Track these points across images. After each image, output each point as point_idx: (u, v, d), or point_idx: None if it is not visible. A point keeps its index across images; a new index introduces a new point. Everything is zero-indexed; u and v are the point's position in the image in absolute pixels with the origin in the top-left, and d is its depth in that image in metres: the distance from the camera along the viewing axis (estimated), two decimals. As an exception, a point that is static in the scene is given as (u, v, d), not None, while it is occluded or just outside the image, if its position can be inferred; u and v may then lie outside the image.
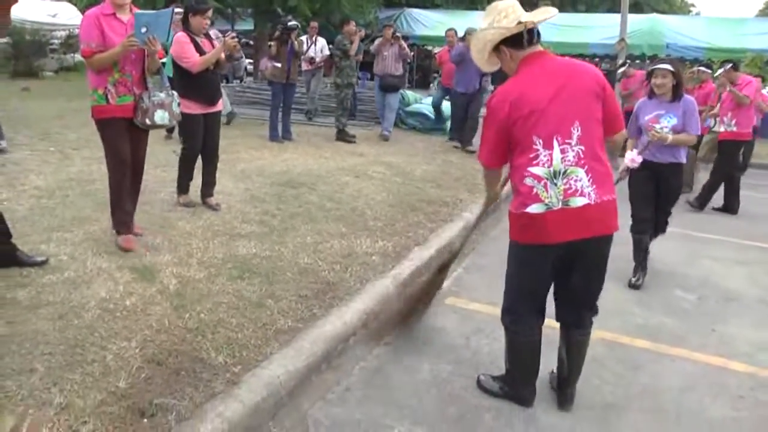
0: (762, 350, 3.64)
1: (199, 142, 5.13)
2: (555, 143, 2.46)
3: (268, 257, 4.12)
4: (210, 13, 5.18)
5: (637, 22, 16.51)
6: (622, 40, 14.23)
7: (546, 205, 2.50)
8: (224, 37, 5.11)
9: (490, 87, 9.70)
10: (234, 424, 2.45)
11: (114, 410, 2.40)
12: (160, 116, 4.09)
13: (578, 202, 2.48)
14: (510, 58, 2.58)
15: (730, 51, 14.31)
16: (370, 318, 3.62)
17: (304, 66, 10.92)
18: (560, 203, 2.48)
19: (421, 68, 24.62)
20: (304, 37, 10.72)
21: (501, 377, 2.99)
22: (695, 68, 8.73)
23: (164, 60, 4.76)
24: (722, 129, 7.42)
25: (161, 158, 6.59)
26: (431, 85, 20.19)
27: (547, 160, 2.47)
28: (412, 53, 17.30)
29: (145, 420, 2.38)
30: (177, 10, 7.57)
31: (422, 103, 11.86)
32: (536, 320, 2.80)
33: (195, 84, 4.98)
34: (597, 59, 18.83)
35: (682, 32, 16.94)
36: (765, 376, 3.32)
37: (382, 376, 3.12)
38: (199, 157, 5.20)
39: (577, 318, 2.82)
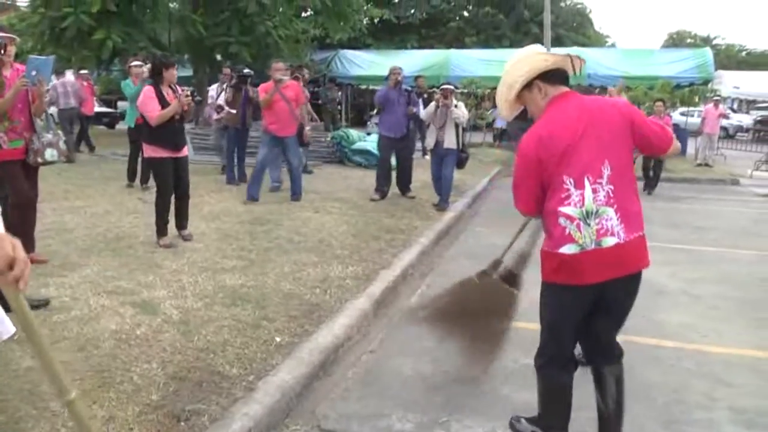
0: (686, 330, 4.31)
1: (170, 184, 5.60)
2: (586, 183, 2.44)
3: (254, 286, 4.54)
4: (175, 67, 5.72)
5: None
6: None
7: (580, 245, 2.47)
8: (180, 92, 5.61)
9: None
10: (257, 421, 2.86)
11: (153, 418, 2.78)
12: (50, 154, 4.66)
13: (610, 242, 2.45)
14: (541, 95, 2.57)
15: (643, 78, 15.69)
16: (353, 331, 4.10)
17: (215, 114, 9.70)
18: (593, 243, 2.45)
19: (356, 107, 25.43)
20: (215, 86, 10.35)
21: (534, 420, 2.92)
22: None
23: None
24: None
25: (130, 206, 6.93)
26: (368, 123, 20.90)
27: (579, 200, 2.45)
28: (339, 93, 18.06)
29: (182, 423, 2.76)
30: (135, 63, 8.17)
31: (366, 140, 12.44)
32: (568, 363, 2.74)
33: (160, 131, 5.52)
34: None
35: (602, 63, 18.37)
36: (690, 349, 3.97)
37: (373, 377, 3.59)
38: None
39: (609, 352, 2.75)
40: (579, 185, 2.43)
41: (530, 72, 2.55)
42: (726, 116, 15.87)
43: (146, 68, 8.11)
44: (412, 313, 4.63)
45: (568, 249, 2.47)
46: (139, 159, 7.71)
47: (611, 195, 2.43)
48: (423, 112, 8.38)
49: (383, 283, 4.97)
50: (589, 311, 2.60)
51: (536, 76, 2.55)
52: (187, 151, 5.90)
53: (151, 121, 5.48)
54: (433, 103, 8.11)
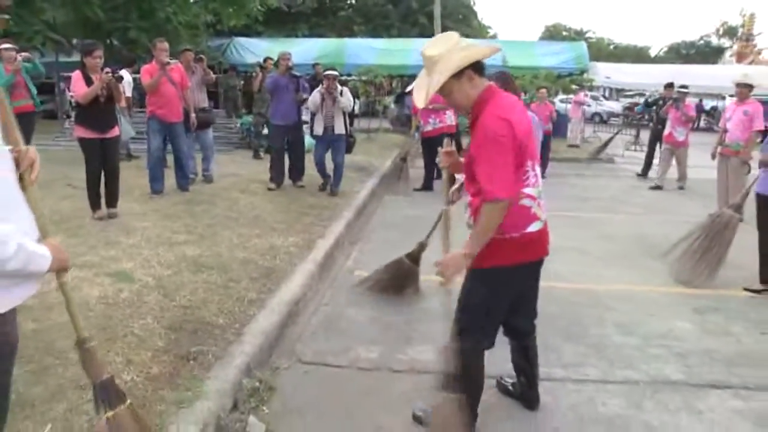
0: (577, 275, 5.32)
1: (97, 162, 6.04)
2: (536, 165, 2.64)
3: (212, 255, 5.03)
4: (99, 52, 6.08)
5: (448, 44, 19.00)
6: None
7: (542, 222, 2.67)
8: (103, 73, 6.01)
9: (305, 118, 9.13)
10: (252, 357, 3.44)
11: (165, 359, 3.28)
12: None
13: (545, 216, 2.71)
14: (472, 85, 2.55)
15: (526, 68, 17.10)
16: (307, 289, 4.72)
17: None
18: (542, 218, 2.68)
19: (249, 94, 25.32)
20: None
21: None
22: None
23: None
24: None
25: (60, 192, 7.06)
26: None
27: (535, 180, 2.63)
28: (242, 81, 18.15)
29: (191, 362, 3.29)
30: (5, 46, 7.88)
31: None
32: (491, 342, 2.81)
33: (88, 113, 5.99)
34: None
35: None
36: (581, 288, 4.97)
37: (333, 323, 4.25)
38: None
39: (530, 325, 3.01)
40: (533, 167, 2.61)
41: (462, 63, 2.50)
42: (583, 103, 17.98)
43: (22, 55, 8.10)
44: (349, 272, 5.36)
45: (534, 227, 2.63)
46: None
47: (538, 176, 2.67)
48: (309, 101, 8.23)
49: (322, 250, 5.60)
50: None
51: (468, 65, 2.52)
52: (117, 131, 6.30)
53: (80, 99, 5.96)
54: (317, 93, 8.12)
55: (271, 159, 8.72)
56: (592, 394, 3.29)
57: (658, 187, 10.35)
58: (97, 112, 6.01)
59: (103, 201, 6.14)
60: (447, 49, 2.52)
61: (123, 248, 5.05)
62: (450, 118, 9.47)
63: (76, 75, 6.03)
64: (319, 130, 8.27)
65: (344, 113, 8.30)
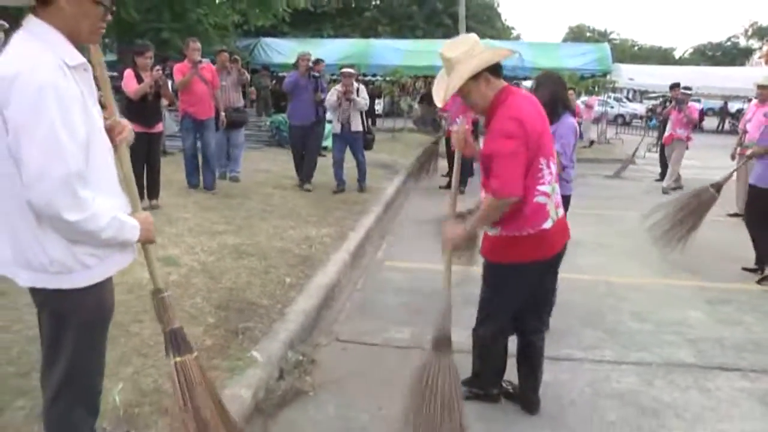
0: (598, 268, 5.57)
1: (143, 155, 6.47)
2: (551, 163, 2.71)
3: (251, 244, 5.37)
4: (150, 52, 6.51)
5: (472, 45, 19.23)
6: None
7: (552, 219, 2.73)
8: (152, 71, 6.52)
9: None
10: (295, 333, 3.76)
11: (217, 333, 3.62)
12: None
13: (561, 212, 2.80)
14: (488, 86, 2.64)
15: (551, 70, 17.26)
16: (341, 276, 5.04)
17: None
18: (556, 215, 2.76)
19: (276, 93, 25.79)
20: None
21: (469, 380, 3.14)
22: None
23: None
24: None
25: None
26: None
27: (550, 178, 2.70)
28: (273, 81, 18.51)
29: (240, 336, 3.62)
30: None
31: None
32: (510, 328, 3.04)
33: (137, 108, 6.41)
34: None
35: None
36: (601, 280, 5.22)
37: (366, 306, 4.56)
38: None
39: (540, 323, 3.10)
40: (548, 165, 2.68)
41: (482, 63, 2.59)
42: (591, 106, 18.44)
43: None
44: (380, 263, 5.67)
45: (548, 223, 2.71)
46: None
47: (554, 173, 2.75)
48: (327, 102, 8.30)
49: (354, 241, 5.92)
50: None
51: (486, 68, 2.62)
52: (161, 127, 6.87)
53: (131, 95, 6.43)
54: (334, 94, 8.17)
55: (294, 159, 8.78)
56: (608, 373, 3.55)
57: (678, 188, 10.45)
58: (145, 108, 6.52)
59: (145, 193, 6.51)
60: (465, 52, 2.60)
61: (167, 236, 5.41)
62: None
63: (128, 73, 6.53)
64: (337, 128, 8.42)
65: (361, 112, 8.44)
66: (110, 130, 2.04)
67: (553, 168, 2.75)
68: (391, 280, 5.19)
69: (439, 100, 2.79)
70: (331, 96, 8.25)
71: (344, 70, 8.42)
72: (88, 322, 1.96)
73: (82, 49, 1.89)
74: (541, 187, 2.66)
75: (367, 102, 8.56)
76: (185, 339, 2.30)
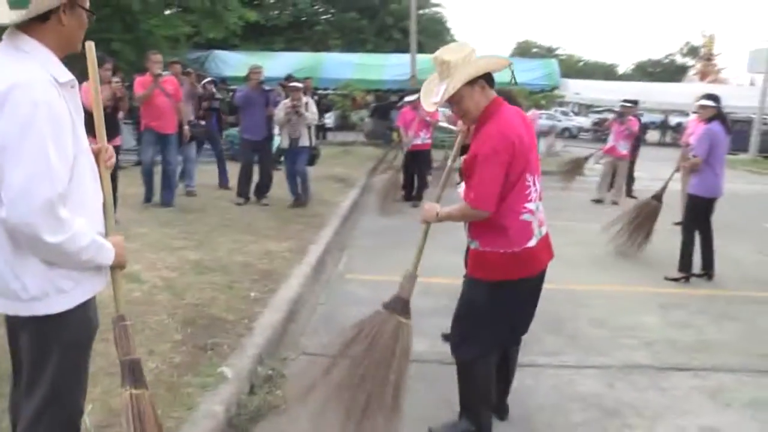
0: (559, 276, 5.73)
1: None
2: (536, 180, 2.66)
3: (213, 259, 5.33)
4: (109, 64, 6.46)
5: (424, 60, 19.44)
6: (413, 76, 16.92)
7: (537, 237, 2.67)
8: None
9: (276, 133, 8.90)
10: (263, 349, 3.76)
11: (185, 349, 3.58)
12: None
13: (544, 230, 2.74)
14: (482, 95, 2.59)
15: (500, 84, 17.68)
16: (304, 289, 5.05)
17: None
18: (540, 233, 2.70)
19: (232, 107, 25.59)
20: None
21: (456, 424, 2.95)
22: None
23: None
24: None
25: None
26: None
27: (536, 195, 2.66)
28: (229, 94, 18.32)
29: (209, 352, 3.59)
30: None
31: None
32: (494, 350, 2.86)
33: (93, 122, 6.20)
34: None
35: (465, 69, 20.31)
36: (562, 288, 5.36)
37: (331, 319, 4.58)
38: None
39: (519, 337, 3.04)
40: (534, 182, 2.65)
41: (478, 72, 2.55)
42: (535, 120, 18.95)
43: None
44: (341, 276, 5.71)
45: (533, 241, 2.65)
46: None
47: (539, 190, 2.71)
48: (275, 117, 8.20)
49: (314, 255, 5.94)
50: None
51: (482, 75, 2.58)
52: (119, 141, 6.70)
53: (88, 108, 6.13)
54: (283, 110, 8.04)
55: (239, 173, 8.51)
56: (570, 376, 3.69)
57: (598, 201, 10.58)
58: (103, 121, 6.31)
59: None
60: (463, 57, 2.56)
61: (127, 252, 5.28)
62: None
63: (86, 86, 6.23)
64: (285, 143, 8.30)
65: (309, 127, 8.32)
66: (97, 154, 2.01)
67: (539, 185, 2.70)
68: (353, 292, 5.23)
69: (429, 105, 2.71)
70: (279, 111, 8.09)
71: (292, 83, 8.37)
72: (72, 343, 1.91)
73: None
74: (527, 204, 2.62)
75: (316, 117, 8.48)
76: (142, 373, 2.17)
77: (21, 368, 1.97)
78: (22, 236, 1.69)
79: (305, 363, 3.83)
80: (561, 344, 4.18)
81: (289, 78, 11.58)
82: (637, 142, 11.30)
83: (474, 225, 2.70)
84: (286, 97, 8.47)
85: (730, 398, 3.50)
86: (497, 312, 2.73)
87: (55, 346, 1.87)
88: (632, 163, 11.33)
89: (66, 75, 1.79)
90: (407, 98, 10.15)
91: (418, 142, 9.67)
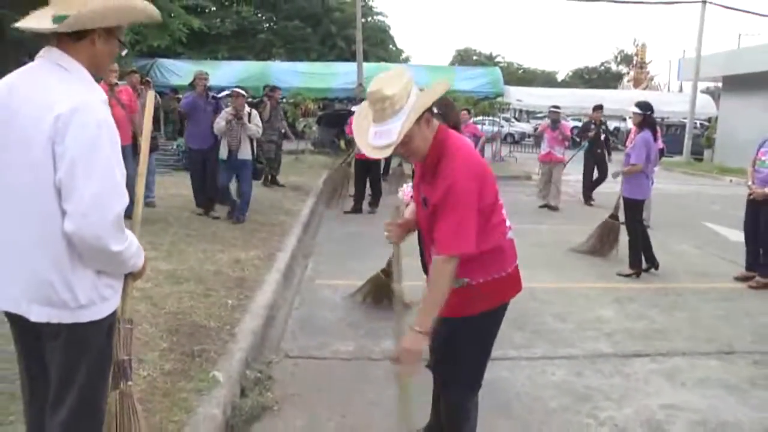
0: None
1: None
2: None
3: (185, 269, 5.37)
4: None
5: (370, 68, 19.73)
6: (360, 84, 17.15)
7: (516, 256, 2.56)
8: None
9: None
10: (248, 353, 3.88)
11: (173, 356, 3.66)
12: None
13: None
14: (430, 128, 2.30)
15: (446, 93, 18.14)
16: (277, 295, 5.17)
17: None
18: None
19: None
20: None
21: None
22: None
23: None
24: None
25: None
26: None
27: (506, 216, 2.51)
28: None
29: (197, 358, 3.68)
30: None
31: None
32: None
33: None
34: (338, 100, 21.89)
35: (410, 78, 20.68)
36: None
37: (309, 324, 4.72)
38: None
39: None
40: (502, 206, 2.49)
41: (429, 101, 2.26)
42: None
43: None
44: (310, 281, 5.86)
45: (516, 261, 2.53)
46: None
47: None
48: (215, 125, 7.69)
49: (283, 261, 6.06)
50: None
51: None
52: None
53: None
54: (223, 118, 7.63)
55: (192, 185, 8.36)
56: (543, 367, 3.97)
57: (546, 206, 10.77)
58: None
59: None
60: (403, 87, 2.20)
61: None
62: None
63: None
64: (223, 153, 7.76)
65: (251, 139, 7.89)
66: None
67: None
68: (325, 297, 5.38)
69: (369, 149, 2.27)
70: (220, 121, 7.65)
71: (234, 90, 7.98)
72: (102, 347, 1.97)
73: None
74: (508, 222, 2.50)
75: (260, 129, 8.08)
76: (129, 376, 2.17)
77: (37, 383, 2.00)
78: (88, 248, 1.77)
79: (290, 365, 3.98)
80: (529, 338, 4.46)
81: (274, 89, 11.55)
82: (608, 147, 11.65)
83: (463, 263, 2.28)
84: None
85: (684, 378, 3.87)
86: (487, 344, 2.59)
87: (87, 353, 1.91)
88: (599, 168, 11.55)
89: (104, 94, 1.89)
90: (354, 107, 10.20)
91: None
